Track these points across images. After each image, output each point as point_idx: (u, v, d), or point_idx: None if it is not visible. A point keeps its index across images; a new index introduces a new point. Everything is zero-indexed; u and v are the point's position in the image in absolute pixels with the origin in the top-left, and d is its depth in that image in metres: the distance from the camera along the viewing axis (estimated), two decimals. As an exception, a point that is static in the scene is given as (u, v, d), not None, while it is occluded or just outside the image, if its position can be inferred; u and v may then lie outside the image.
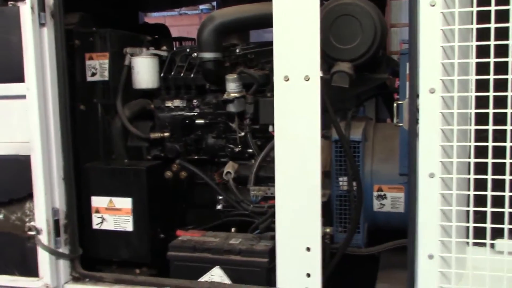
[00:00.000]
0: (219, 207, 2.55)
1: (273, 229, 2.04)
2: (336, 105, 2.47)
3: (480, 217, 1.72)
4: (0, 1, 2.20)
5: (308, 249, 1.90)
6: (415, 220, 1.78)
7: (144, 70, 2.63)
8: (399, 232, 2.14)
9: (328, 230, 2.19)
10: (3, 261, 2.35)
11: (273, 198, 2.19)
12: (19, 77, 2.20)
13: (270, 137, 2.38)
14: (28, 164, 2.23)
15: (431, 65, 1.70)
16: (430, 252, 1.76)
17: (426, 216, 1.76)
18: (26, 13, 2.16)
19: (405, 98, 1.85)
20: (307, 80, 1.83)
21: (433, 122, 1.72)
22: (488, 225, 1.69)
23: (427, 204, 1.76)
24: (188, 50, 2.71)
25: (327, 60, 2.17)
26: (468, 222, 1.74)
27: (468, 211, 1.74)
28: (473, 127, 1.70)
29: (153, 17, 7.48)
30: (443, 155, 1.73)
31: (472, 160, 1.71)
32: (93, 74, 2.61)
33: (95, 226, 2.43)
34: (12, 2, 2.19)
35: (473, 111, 1.70)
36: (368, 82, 2.43)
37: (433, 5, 1.68)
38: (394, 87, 2.92)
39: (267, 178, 2.43)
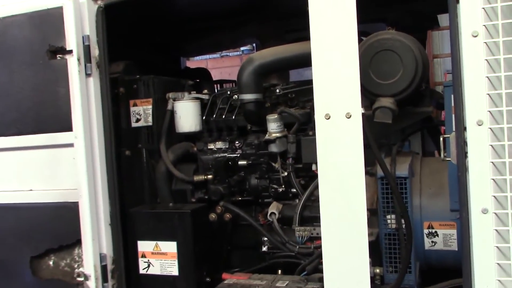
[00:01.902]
0: (264, 248, 2.52)
1: (321, 271, 1.98)
2: (380, 140, 2.42)
3: (540, 254, 1.62)
4: (49, 55, 2.30)
5: (357, 291, 1.83)
6: (470, 259, 1.69)
7: (186, 114, 2.68)
8: (454, 271, 2.04)
9: (377, 270, 2.12)
10: (53, 308, 2.38)
11: (319, 238, 2.15)
12: (67, 126, 2.28)
13: (314, 176, 2.35)
14: (76, 210, 2.28)
15: (477, 96, 1.64)
16: (488, 293, 1.66)
17: (481, 255, 1.67)
18: (73, 65, 2.25)
19: (451, 132, 1.79)
20: (348, 117, 1.80)
21: (483, 155, 1.65)
22: (551, 263, 1.59)
23: (481, 242, 1.67)
24: (228, 92, 2.74)
25: (368, 96, 2.14)
26: (528, 259, 1.64)
27: (527, 248, 1.64)
28: (526, 159, 1.62)
29: (195, 61, 7.67)
30: (496, 189, 1.65)
31: (528, 193, 1.62)
32: (138, 120, 2.67)
33: (141, 271, 2.43)
34: (60, 55, 2.29)
35: (525, 142, 1.62)
36: (412, 116, 2.38)
37: (476, 36, 1.64)
38: (439, 119, 2.85)
39: (312, 217, 2.39)
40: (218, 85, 3.69)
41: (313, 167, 2.38)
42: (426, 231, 2.21)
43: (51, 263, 2.39)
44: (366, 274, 1.82)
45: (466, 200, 1.69)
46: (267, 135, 2.48)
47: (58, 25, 2.26)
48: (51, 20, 2.29)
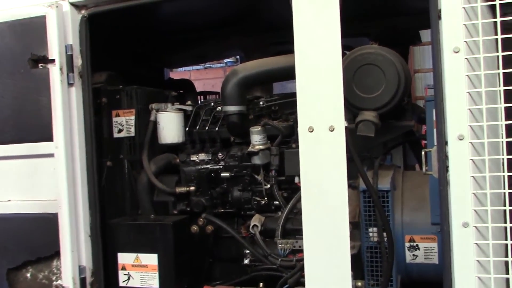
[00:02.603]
0: (246, 261, 2.50)
1: (303, 284, 1.98)
2: (363, 154, 2.44)
3: (520, 267, 1.64)
4: (31, 63, 2.27)
5: (339, 304, 1.83)
6: (451, 272, 1.70)
7: (169, 125, 2.66)
8: (435, 284, 2.05)
9: (359, 283, 2.12)
10: (30, 322, 2.33)
11: (301, 251, 2.14)
12: (48, 136, 2.25)
13: (296, 189, 2.35)
14: (55, 221, 2.25)
15: (459, 111, 1.67)
16: (469, 306, 1.67)
17: (462, 268, 1.68)
18: (55, 74, 2.23)
19: (433, 146, 1.81)
20: (331, 131, 1.81)
21: (464, 170, 1.67)
22: (530, 277, 1.60)
23: (462, 255, 1.68)
24: (212, 104, 2.74)
25: (351, 109, 2.15)
26: (507, 273, 1.65)
27: (507, 262, 1.65)
28: (506, 174, 1.64)
29: (178, 72, 7.66)
30: (477, 203, 1.67)
31: (507, 208, 1.64)
32: (120, 131, 2.65)
33: (121, 284, 2.39)
34: (42, 64, 2.26)
35: (505, 157, 1.64)
36: (394, 130, 2.40)
37: (457, 52, 1.66)
38: (421, 133, 2.87)
39: (294, 230, 2.39)
40: (202, 97, 3.68)
41: (296, 180, 2.38)
42: (407, 244, 2.22)
43: (28, 275, 2.35)
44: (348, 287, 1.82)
45: (447, 213, 1.70)
46: (250, 147, 2.48)
47: (41, 34, 2.24)
48: (34, 28, 2.27)
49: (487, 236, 1.65)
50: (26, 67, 2.28)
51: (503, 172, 1.65)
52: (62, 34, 2.24)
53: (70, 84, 2.26)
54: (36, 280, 2.33)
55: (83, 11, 2.29)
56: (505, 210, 1.65)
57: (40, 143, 2.28)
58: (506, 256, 1.64)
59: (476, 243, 1.66)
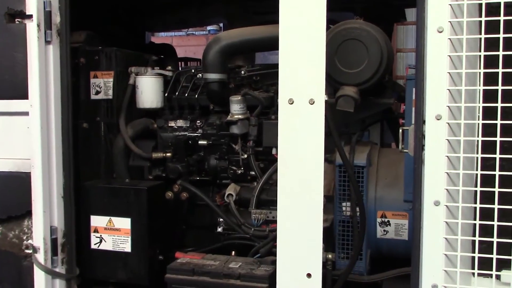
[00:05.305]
0: (219, 229, 2.52)
1: (274, 254, 2.00)
2: (341, 129, 2.45)
3: (486, 247, 1.68)
4: (7, 18, 2.20)
5: (309, 275, 1.86)
6: (419, 249, 1.74)
7: (148, 89, 2.63)
8: (403, 260, 2.10)
9: (330, 256, 2.15)
10: (-2, 280, 2.32)
11: (274, 221, 2.16)
12: (22, 94, 2.20)
13: (273, 160, 2.36)
14: (28, 181, 2.21)
15: (438, 91, 1.67)
16: (434, 282, 1.71)
17: (430, 245, 1.72)
18: (32, 31, 2.16)
19: (410, 124, 1.82)
20: (311, 104, 1.81)
21: (439, 149, 1.69)
22: (494, 256, 1.65)
23: (431, 233, 1.72)
24: (193, 70, 2.71)
25: (333, 83, 2.15)
26: (473, 252, 1.70)
27: (473, 241, 1.70)
28: (479, 155, 1.67)
29: (160, 37, 7.54)
30: (449, 183, 1.69)
31: (479, 188, 1.67)
32: (97, 92, 2.61)
33: (93, 246, 2.39)
34: (19, 20, 2.19)
35: (480, 138, 1.67)
36: (373, 107, 2.41)
37: (441, 32, 1.66)
38: (399, 112, 2.90)
39: (269, 201, 2.40)
40: (183, 63, 3.64)
41: (273, 151, 2.39)
42: (379, 220, 2.26)
43: (-2, 233, 2.32)
44: (319, 259, 1.85)
45: (420, 191, 1.73)
46: (229, 116, 2.47)
47: (18, -12, 2.17)
48: (11, -19, 2.19)
49: (457, 215, 1.68)
50: (2, 22, 2.21)
51: (477, 153, 1.67)
52: (41, -11, 2.17)
53: (47, 42, 2.20)
54: (6, 238, 2.31)
55: (63, -34, 2.22)
56: (475, 191, 1.68)
57: (15, 100, 2.23)
58: (474, 235, 1.69)
59: (445, 222, 1.70)
